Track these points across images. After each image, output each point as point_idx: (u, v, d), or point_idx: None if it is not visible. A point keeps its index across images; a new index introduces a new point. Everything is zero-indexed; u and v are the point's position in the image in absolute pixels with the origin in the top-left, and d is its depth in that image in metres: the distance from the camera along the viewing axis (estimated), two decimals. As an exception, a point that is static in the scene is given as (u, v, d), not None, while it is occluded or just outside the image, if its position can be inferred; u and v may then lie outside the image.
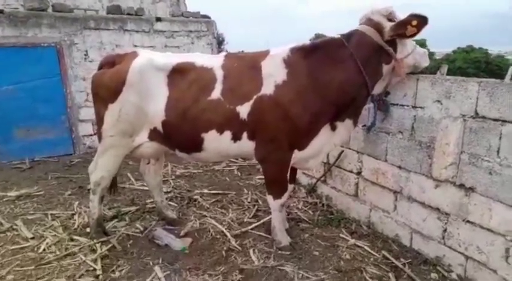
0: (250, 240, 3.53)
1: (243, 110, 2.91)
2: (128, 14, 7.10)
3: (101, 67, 3.34)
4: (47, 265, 3.11)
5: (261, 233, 3.66)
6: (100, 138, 3.32)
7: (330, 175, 4.25)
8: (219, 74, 2.98)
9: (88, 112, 6.96)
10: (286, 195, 3.25)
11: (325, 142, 3.08)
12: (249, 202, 4.44)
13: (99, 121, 3.27)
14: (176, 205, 4.41)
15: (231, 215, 4.07)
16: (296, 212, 4.12)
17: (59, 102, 6.73)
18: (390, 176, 3.38)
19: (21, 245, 3.43)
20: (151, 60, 3.09)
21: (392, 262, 3.09)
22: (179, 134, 3.07)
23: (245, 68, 2.98)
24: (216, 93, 2.95)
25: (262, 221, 3.89)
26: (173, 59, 3.14)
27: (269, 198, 3.25)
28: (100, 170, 3.39)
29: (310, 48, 2.92)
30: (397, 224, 3.38)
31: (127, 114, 3.11)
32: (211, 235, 3.66)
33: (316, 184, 4.49)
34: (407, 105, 3.11)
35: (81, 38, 6.70)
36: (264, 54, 3.01)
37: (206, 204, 4.40)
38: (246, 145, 3.03)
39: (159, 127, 3.11)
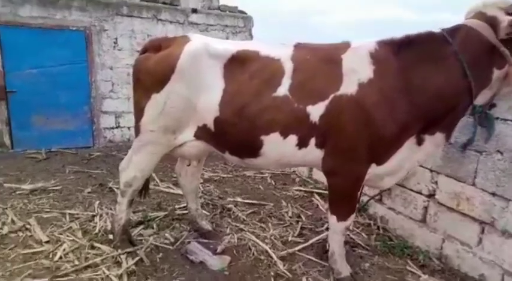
0: (300, 265, 2.99)
1: (315, 111, 2.39)
2: (163, 3, 6.66)
3: (144, 51, 2.85)
4: (64, 277, 2.61)
5: (311, 257, 3.11)
6: (137, 132, 2.82)
7: (389, 194, 3.69)
8: (288, 66, 2.46)
9: (111, 104, 6.54)
10: (353, 216, 2.70)
11: (408, 157, 2.53)
12: (290, 217, 3.90)
13: (138, 112, 2.78)
14: (208, 213, 3.88)
15: (273, 232, 3.53)
16: (348, 234, 3.56)
17: (83, 91, 6.30)
18: (478, 204, 2.81)
19: (35, 250, 2.93)
20: (207, 45, 2.59)
21: (482, 310, 2.52)
22: (234, 134, 2.55)
23: (321, 61, 2.45)
24: (283, 90, 2.43)
25: (310, 242, 3.34)
26: (232, 46, 2.63)
27: (332, 218, 2.70)
28: (133, 169, 2.89)
29: (403, 43, 2.38)
30: (482, 261, 2.80)
31: (173, 107, 2.61)
32: (253, 254, 3.12)
33: (369, 203, 3.93)
34: (513, 120, 2.55)
35: (111, 25, 6.28)
36: (345, 46, 2.49)
37: (242, 215, 3.86)
38: (313, 153, 2.51)
39: (210, 125, 2.60)
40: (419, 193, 3.34)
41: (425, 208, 3.29)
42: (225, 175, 5.23)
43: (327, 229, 3.63)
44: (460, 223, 2.97)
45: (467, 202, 2.89)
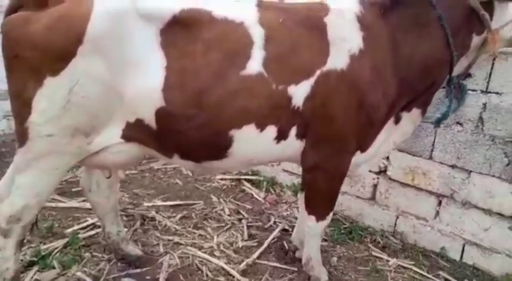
0: (267, 277, 2.49)
1: (299, 92, 1.83)
2: None
3: (15, 8, 1.77)
4: None
5: (275, 264, 2.64)
6: (23, 140, 1.77)
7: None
8: (257, 33, 1.79)
9: None
10: (331, 215, 2.30)
11: (385, 139, 2.24)
12: (229, 216, 3.31)
13: (22, 108, 1.73)
14: (126, 229, 2.98)
15: (218, 239, 2.91)
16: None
17: None
18: (436, 177, 2.75)
19: None
20: (134, 0, 1.71)
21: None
22: (189, 131, 1.80)
23: (299, 25, 1.86)
24: (255, 66, 1.77)
25: (265, 244, 2.85)
26: (170, 1, 1.80)
27: (310, 219, 2.24)
28: (22, 195, 1.84)
29: (388, 4, 1.98)
30: (441, 234, 2.79)
31: (84, 96, 1.68)
32: (207, 275, 2.47)
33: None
34: (475, 90, 2.48)
35: None
36: (323, 7, 1.95)
37: (171, 224, 3.09)
38: (292, 146, 1.98)
39: (149, 119, 1.78)
40: (369, 170, 3.17)
41: (375, 186, 3.14)
42: (128, 172, 4.24)
43: (275, 223, 3.23)
44: (414, 198, 2.90)
45: (424, 176, 2.81)
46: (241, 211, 3.39)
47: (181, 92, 1.74)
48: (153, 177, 4.18)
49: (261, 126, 1.84)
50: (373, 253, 2.83)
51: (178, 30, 1.75)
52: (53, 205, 3.26)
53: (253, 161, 2.04)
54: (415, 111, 2.23)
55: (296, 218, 3.32)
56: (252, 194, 3.76)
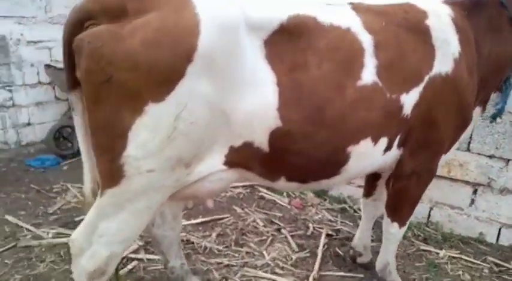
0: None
1: (409, 100, 1.75)
2: None
3: (82, 19, 1.40)
4: None
5: (340, 273, 2.57)
6: (115, 178, 1.44)
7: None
8: (366, 39, 1.66)
9: None
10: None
11: None
12: (264, 226, 3.14)
13: (113, 141, 1.40)
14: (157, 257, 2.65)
15: (270, 255, 2.74)
16: (336, 227, 3.16)
17: None
18: (473, 168, 2.88)
19: None
20: (244, 8, 1.47)
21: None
22: (306, 150, 1.62)
23: (402, 29, 1.77)
24: (370, 75, 1.64)
25: (320, 253, 2.74)
26: (274, 8, 1.57)
27: (393, 226, 2.19)
28: (107, 244, 1.51)
29: (470, 5, 1.98)
30: (478, 220, 2.96)
31: (194, 122, 1.41)
32: (282, 297, 2.32)
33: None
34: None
35: None
36: (417, 9, 1.87)
37: (210, 244, 2.83)
38: (393, 155, 1.91)
39: (260, 141, 1.55)
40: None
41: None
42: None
43: (315, 229, 3.14)
44: (449, 189, 3.02)
45: (461, 168, 2.94)
46: (275, 220, 3.23)
47: (299, 109, 1.54)
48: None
49: (376, 139, 1.73)
50: (421, 247, 2.90)
51: (284, 40, 1.54)
52: (63, 240, 2.80)
53: (357, 176, 1.93)
54: (477, 109, 2.29)
55: (331, 221, 3.30)
56: (275, 200, 3.61)
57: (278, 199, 3.61)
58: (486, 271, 2.65)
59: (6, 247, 2.63)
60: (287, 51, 1.54)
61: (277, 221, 3.21)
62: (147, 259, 2.59)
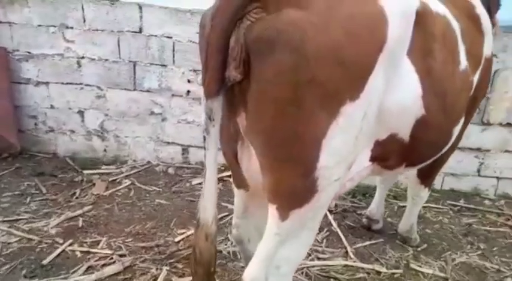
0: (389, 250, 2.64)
1: (475, 81, 2.03)
2: None
3: (241, 8, 1.10)
4: None
5: (377, 241, 2.77)
6: (306, 195, 1.21)
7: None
8: (457, 26, 1.81)
9: None
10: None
11: None
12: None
13: (306, 153, 1.19)
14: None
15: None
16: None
17: None
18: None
19: None
20: None
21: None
22: (432, 137, 1.69)
23: (464, 17, 1.97)
24: (464, 60, 1.82)
25: (338, 229, 2.88)
26: None
27: (424, 191, 2.54)
28: (289, 273, 1.33)
29: None
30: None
31: (369, 120, 1.32)
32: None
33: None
34: None
35: None
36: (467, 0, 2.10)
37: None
38: (457, 129, 2.18)
39: (404, 132, 1.56)
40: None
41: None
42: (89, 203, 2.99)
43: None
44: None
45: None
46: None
47: (434, 97, 1.60)
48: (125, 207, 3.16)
49: (462, 118, 1.92)
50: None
51: (416, 26, 1.55)
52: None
53: None
54: None
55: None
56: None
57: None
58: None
59: None
60: (418, 38, 1.54)
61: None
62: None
